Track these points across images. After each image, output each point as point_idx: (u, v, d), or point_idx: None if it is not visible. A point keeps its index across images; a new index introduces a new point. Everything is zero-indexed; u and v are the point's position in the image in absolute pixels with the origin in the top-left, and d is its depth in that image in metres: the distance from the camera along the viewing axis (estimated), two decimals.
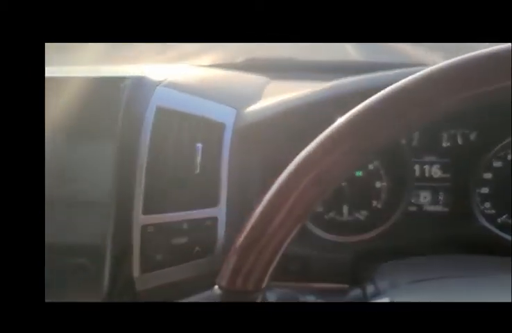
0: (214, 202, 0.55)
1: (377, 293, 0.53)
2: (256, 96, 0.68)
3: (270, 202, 0.34)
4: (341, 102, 0.61)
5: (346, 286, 0.60)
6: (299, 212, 0.33)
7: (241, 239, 0.34)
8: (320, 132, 0.63)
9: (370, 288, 0.54)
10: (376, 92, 0.58)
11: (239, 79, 0.79)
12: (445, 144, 0.68)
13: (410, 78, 0.33)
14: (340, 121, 0.34)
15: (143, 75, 0.59)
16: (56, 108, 0.57)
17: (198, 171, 0.55)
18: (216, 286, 0.35)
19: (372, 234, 0.67)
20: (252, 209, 0.58)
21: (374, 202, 0.69)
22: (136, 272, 0.55)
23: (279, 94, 0.68)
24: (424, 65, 0.88)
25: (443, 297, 0.42)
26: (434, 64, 0.33)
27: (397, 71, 0.61)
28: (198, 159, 0.56)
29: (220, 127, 0.58)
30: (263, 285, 0.34)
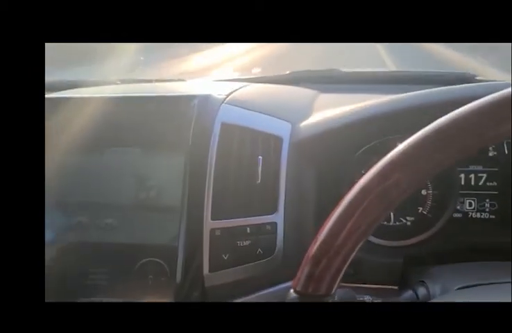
0: (273, 209, 0.60)
1: (428, 296, 0.55)
2: (308, 110, 0.72)
3: (338, 218, 0.37)
4: (395, 118, 0.64)
5: (395, 287, 0.63)
6: (364, 228, 0.36)
7: (313, 250, 0.37)
8: (373, 147, 0.65)
9: (421, 291, 0.57)
10: (429, 108, 0.60)
11: (291, 93, 0.83)
12: (491, 154, 0.70)
13: (466, 107, 0.34)
14: (404, 144, 0.36)
15: (209, 93, 0.63)
16: (134, 124, 0.63)
17: (259, 180, 0.60)
18: (292, 290, 0.38)
19: (419, 239, 0.68)
20: (307, 215, 0.61)
21: (420, 209, 0.70)
22: (205, 270, 0.60)
23: (329, 107, 0.71)
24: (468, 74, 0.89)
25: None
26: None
27: (448, 87, 0.64)
28: (259, 170, 0.60)
29: (278, 140, 0.62)
30: (333, 290, 0.37)
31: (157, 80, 0.97)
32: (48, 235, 0.62)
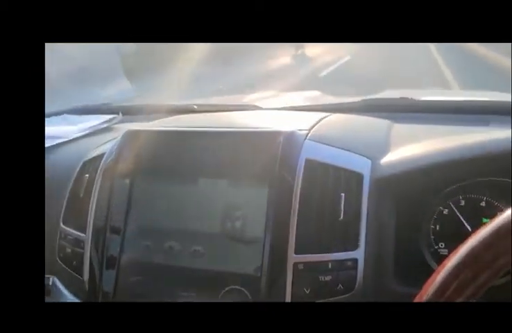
0: (354, 245, 0.61)
1: None
2: (385, 144, 0.72)
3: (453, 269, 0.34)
4: (483, 162, 0.63)
5: None
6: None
7: (428, 292, 0.34)
8: (459, 188, 0.66)
9: None
10: None
11: (367, 125, 0.83)
12: None
13: None
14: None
15: (293, 130, 0.66)
16: (222, 156, 0.66)
17: (341, 217, 0.61)
18: None
19: None
20: (388, 252, 0.63)
21: None
22: (287, 301, 0.60)
23: (406, 140, 0.72)
24: None
25: None
26: None
27: None
28: (342, 206, 0.61)
29: (359, 177, 0.63)
30: None
31: (233, 106, 1.00)
32: (141, 257, 0.65)
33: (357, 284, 0.60)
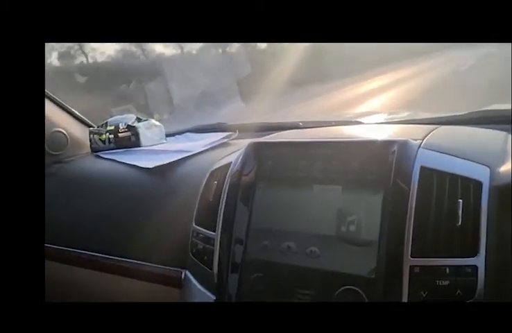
0: (474, 252, 0.60)
1: None
2: (504, 153, 0.72)
3: None
4: None
5: None
6: None
7: None
8: None
9: None
10: None
11: (482, 135, 0.83)
12: None
13: None
14: None
15: (406, 139, 0.67)
16: (337, 164, 0.69)
17: (459, 223, 0.61)
18: None
19: None
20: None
21: None
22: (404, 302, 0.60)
23: None
24: None
25: None
26: None
27: None
28: (460, 212, 0.61)
29: (478, 184, 0.63)
30: None
31: (336, 122, 1.03)
32: (261, 255, 0.69)
33: (477, 291, 0.59)
